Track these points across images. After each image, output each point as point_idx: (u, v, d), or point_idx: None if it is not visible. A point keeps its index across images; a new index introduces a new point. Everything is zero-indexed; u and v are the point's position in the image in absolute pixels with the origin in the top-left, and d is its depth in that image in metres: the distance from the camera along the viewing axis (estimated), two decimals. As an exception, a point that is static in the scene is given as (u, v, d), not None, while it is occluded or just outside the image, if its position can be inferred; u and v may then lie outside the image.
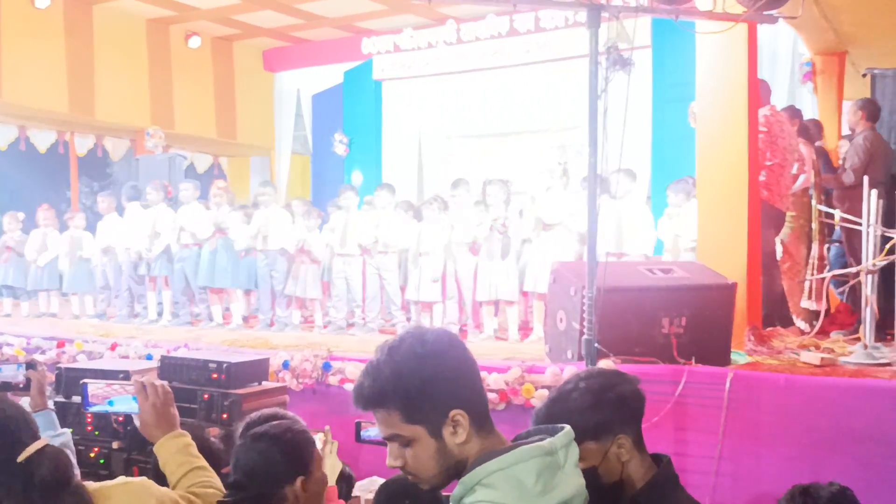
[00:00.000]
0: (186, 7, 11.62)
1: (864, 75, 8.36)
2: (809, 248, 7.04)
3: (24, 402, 2.53)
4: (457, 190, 8.22)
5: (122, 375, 4.41)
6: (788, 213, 6.80)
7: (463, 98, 12.17)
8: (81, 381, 2.40)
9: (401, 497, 2.75)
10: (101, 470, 4.34)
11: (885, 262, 5.28)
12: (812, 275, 6.84)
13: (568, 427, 1.72)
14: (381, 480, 3.16)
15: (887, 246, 5.30)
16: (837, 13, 7.76)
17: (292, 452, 2.29)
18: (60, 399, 4.56)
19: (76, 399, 4.48)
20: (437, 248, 7.94)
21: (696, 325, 5.19)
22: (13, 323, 9.10)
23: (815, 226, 6.97)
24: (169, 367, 4.67)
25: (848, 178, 6.81)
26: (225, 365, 4.48)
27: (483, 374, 5.21)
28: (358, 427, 3.00)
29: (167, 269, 9.07)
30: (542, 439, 1.66)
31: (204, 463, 2.28)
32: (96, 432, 4.47)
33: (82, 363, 5.96)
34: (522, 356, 5.86)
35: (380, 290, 8.35)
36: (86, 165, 12.98)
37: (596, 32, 4.10)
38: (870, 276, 5.30)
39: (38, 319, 9.66)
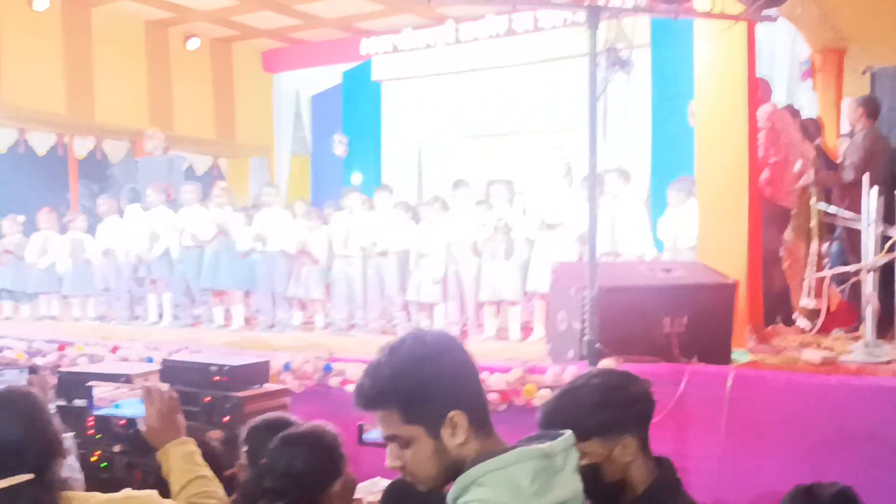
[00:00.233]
0: (185, 9, 11.62)
1: (864, 72, 8.34)
2: (809, 246, 7.04)
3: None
4: (458, 190, 8.22)
5: (123, 378, 4.40)
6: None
7: (462, 98, 12.16)
8: (87, 384, 2.40)
9: (408, 498, 2.76)
10: (103, 473, 4.32)
11: (885, 260, 5.27)
12: (811, 273, 6.84)
13: (569, 432, 1.73)
14: (384, 482, 3.17)
15: (888, 244, 5.30)
16: (836, 10, 7.76)
17: (331, 456, 2.39)
18: (62, 403, 4.54)
19: (78, 403, 4.47)
20: (438, 249, 7.94)
21: (697, 325, 5.20)
22: (14, 326, 9.09)
23: (814, 223, 6.96)
24: (170, 370, 4.66)
25: (848, 175, 6.80)
26: (226, 367, 4.47)
27: (484, 374, 5.24)
28: (360, 429, 3.00)
29: (167, 271, 9.07)
30: (542, 443, 1.67)
31: (208, 472, 2.28)
32: (98, 436, 4.44)
33: (83, 366, 5.95)
34: (524, 357, 5.85)
35: (380, 291, 8.35)
36: (85, 168, 12.97)
37: (595, 33, 4.10)
38: (870, 274, 5.30)
39: (39, 322, 9.66)
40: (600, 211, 4.60)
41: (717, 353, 5.17)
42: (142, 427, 2.35)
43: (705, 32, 5.67)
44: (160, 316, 9.21)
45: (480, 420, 1.69)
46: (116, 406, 2.52)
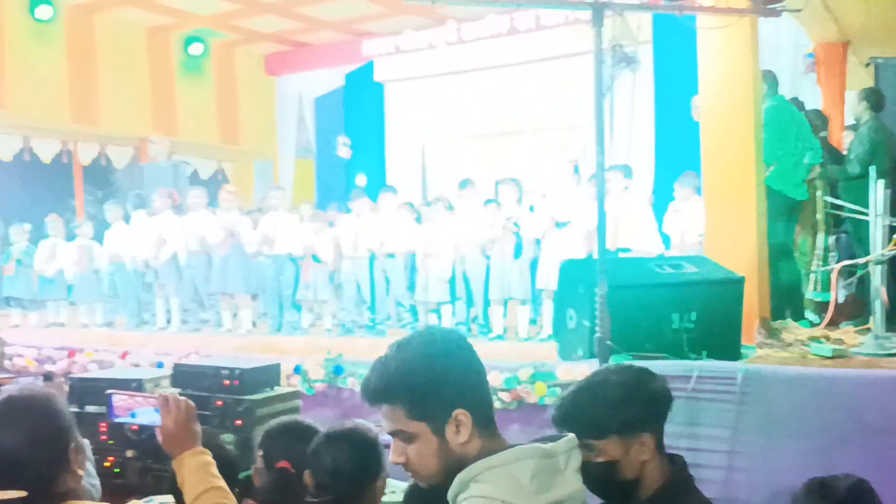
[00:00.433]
0: (187, 14, 11.66)
1: (868, 65, 8.33)
2: (815, 240, 7.03)
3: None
4: (464, 190, 8.23)
5: (134, 385, 4.42)
6: (794, 205, 6.79)
7: (465, 98, 12.18)
8: (106, 392, 2.41)
9: (432, 500, 2.78)
10: (116, 479, 4.35)
11: (894, 253, 5.26)
12: (818, 266, 6.83)
13: (572, 435, 1.76)
14: (396, 482, 3.17)
15: (896, 236, 5.29)
16: (839, 3, 7.74)
17: (375, 452, 2.47)
18: (74, 409, 4.56)
19: (90, 409, 4.49)
20: (445, 249, 7.94)
21: (706, 320, 5.20)
22: (23, 333, 9.11)
23: (820, 216, 6.95)
24: (181, 375, 4.67)
25: (853, 168, 6.79)
26: (237, 371, 4.48)
27: (495, 373, 5.24)
28: None
29: (175, 276, 9.09)
30: (545, 444, 1.69)
31: (222, 483, 2.27)
32: (111, 441, 4.47)
33: (94, 373, 5.97)
34: (533, 355, 5.86)
35: (388, 292, 8.36)
36: (90, 175, 13.00)
37: (600, 31, 4.10)
38: (878, 266, 5.29)
39: (47, 329, 9.68)
40: (607, 208, 4.60)
41: (727, 348, 5.17)
42: (158, 436, 2.35)
43: (709, 27, 5.66)
44: (168, 321, 9.23)
45: (485, 419, 1.70)
46: (133, 415, 2.52)
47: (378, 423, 2.88)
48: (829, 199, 6.83)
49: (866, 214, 5.44)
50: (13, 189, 12.40)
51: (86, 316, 9.91)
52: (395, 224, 8.35)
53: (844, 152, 7.33)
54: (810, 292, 6.86)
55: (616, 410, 2.02)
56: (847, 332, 6.05)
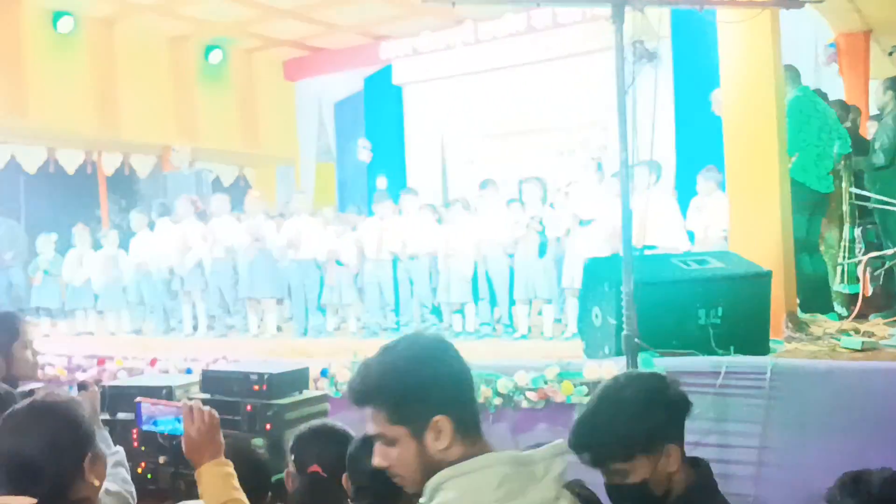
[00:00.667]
0: (206, 22, 11.74)
1: (891, 53, 8.24)
2: (841, 231, 6.96)
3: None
4: (485, 190, 8.23)
5: (165, 391, 4.46)
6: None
7: (484, 98, 12.16)
8: (135, 400, 2.44)
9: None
10: (149, 485, 4.38)
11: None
12: (845, 258, 6.77)
13: (560, 441, 1.74)
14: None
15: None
16: (860, -7, 7.68)
17: None
18: (106, 416, 4.61)
19: (122, 416, 4.54)
20: (466, 249, 7.94)
21: (733, 315, 5.17)
22: (52, 343, 9.21)
23: (846, 208, 6.89)
24: (210, 380, 4.70)
25: (878, 159, 6.71)
26: (266, 376, 4.50)
27: (521, 372, 5.22)
28: None
29: (200, 282, 9.16)
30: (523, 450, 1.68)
31: (241, 496, 2.28)
32: (142, 447, 4.50)
33: (124, 380, 6.03)
34: (559, 354, 5.85)
35: (412, 293, 8.38)
36: (114, 184, 13.13)
37: (621, 27, 4.09)
38: (907, 258, 5.24)
39: (76, 338, 9.78)
40: (633, 205, 4.59)
41: (755, 342, 5.13)
42: (182, 445, 2.37)
43: (730, 21, 5.62)
44: (195, 327, 9.30)
45: (467, 427, 1.68)
46: (155, 423, 2.55)
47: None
48: (855, 191, 6.76)
49: (893, 205, 5.38)
50: (39, 200, 12.57)
51: (113, 324, 10.01)
52: (417, 226, 8.37)
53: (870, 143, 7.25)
54: (838, 284, 6.79)
55: (637, 428, 1.95)
56: (876, 325, 5.99)
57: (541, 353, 6.11)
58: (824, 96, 7.58)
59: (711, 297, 5.15)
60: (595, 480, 2.14)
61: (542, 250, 7.62)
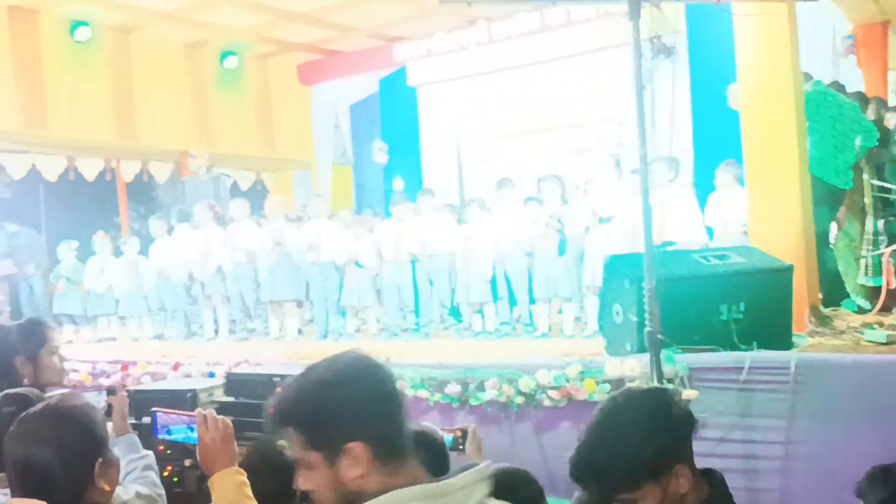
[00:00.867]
0: (220, 28, 11.82)
1: (909, 43, 8.18)
2: (864, 224, 6.90)
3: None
4: (502, 189, 8.22)
5: (189, 395, 4.50)
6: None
7: (499, 97, 12.15)
8: (152, 410, 2.44)
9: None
10: (176, 488, 4.41)
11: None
12: (868, 251, 6.71)
13: (484, 464, 1.63)
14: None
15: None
16: (877, -18, 7.62)
17: (442, 452, 2.57)
18: (132, 421, 4.64)
19: (147, 420, 4.57)
20: (484, 249, 7.94)
21: (755, 310, 5.15)
22: (76, 349, 9.29)
23: (868, 200, 6.83)
24: (234, 384, 4.73)
25: (899, 150, 6.67)
26: (290, 378, 4.52)
27: (542, 371, 5.21)
28: None
29: (221, 287, 9.21)
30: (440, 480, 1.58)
31: None
32: (168, 451, 4.53)
33: (149, 384, 6.08)
34: (580, 352, 5.85)
35: (431, 295, 8.38)
36: (132, 191, 13.22)
37: (637, 23, 4.08)
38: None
39: (100, 344, 9.86)
40: (652, 201, 4.57)
41: (778, 337, 5.11)
42: (197, 454, 2.37)
43: (746, 14, 5.59)
44: (216, 331, 9.35)
45: (388, 454, 1.58)
46: (168, 432, 2.56)
47: (442, 427, 2.94)
48: (877, 183, 6.70)
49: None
50: (59, 208, 12.68)
51: (136, 330, 10.09)
52: (435, 226, 8.37)
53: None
54: (861, 277, 6.73)
55: (642, 453, 1.82)
56: (901, 317, 5.94)
57: (561, 352, 6.10)
58: (841, 88, 7.52)
59: (733, 292, 5.13)
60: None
61: (561, 248, 7.59)
